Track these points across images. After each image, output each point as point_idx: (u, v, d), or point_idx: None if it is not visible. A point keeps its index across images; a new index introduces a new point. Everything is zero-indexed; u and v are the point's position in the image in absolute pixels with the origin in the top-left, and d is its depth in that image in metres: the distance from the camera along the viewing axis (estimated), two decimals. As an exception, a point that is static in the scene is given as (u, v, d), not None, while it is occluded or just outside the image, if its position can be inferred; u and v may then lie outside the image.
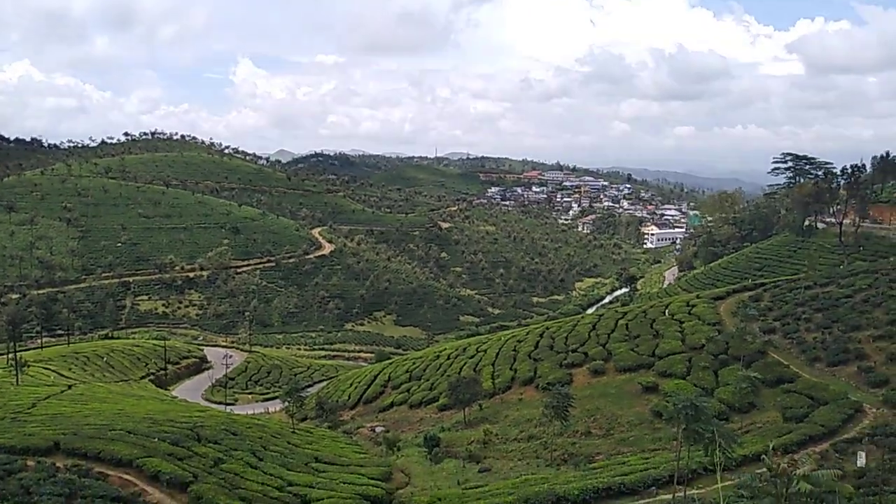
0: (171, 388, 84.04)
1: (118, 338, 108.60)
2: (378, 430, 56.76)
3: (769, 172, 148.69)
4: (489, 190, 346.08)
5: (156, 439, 39.34)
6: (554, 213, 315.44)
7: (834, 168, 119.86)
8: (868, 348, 47.98)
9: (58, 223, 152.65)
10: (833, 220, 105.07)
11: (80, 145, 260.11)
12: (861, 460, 31.47)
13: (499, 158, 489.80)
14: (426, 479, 42.28)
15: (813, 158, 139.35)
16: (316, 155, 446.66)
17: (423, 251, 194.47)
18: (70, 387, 63.37)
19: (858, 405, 40.50)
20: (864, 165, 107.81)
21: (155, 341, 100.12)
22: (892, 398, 40.46)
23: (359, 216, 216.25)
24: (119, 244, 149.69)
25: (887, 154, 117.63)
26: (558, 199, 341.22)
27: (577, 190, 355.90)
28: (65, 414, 46.31)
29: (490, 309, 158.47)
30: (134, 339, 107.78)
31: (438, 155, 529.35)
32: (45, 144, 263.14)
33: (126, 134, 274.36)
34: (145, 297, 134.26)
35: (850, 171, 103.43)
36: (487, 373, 61.32)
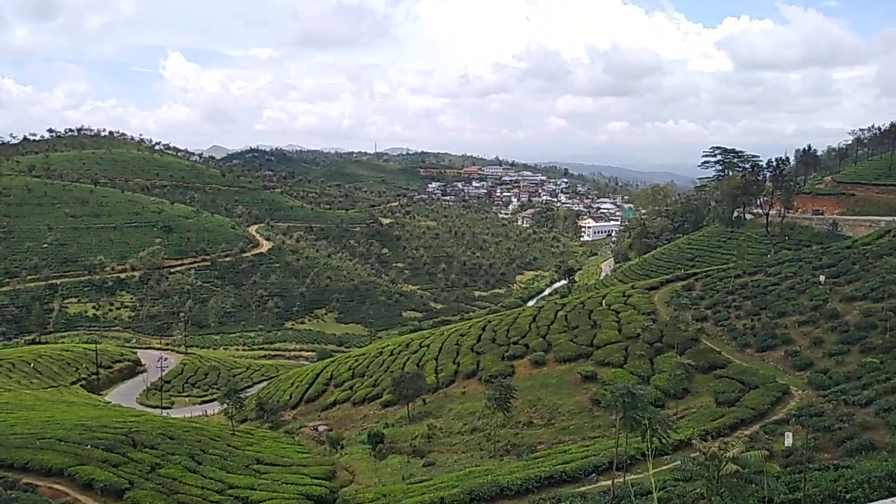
0: (103, 393, 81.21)
1: (46, 342, 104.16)
2: (321, 428, 56.28)
3: (699, 166, 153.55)
4: (430, 185, 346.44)
5: (88, 446, 38.02)
6: (494, 207, 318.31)
7: (760, 161, 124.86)
8: (794, 333, 50.20)
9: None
10: (760, 211, 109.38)
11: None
12: (788, 440, 32.87)
13: (439, 154, 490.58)
14: (371, 476, 42.19)
15: (741, 152, 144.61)
16: (251, 150, 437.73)
17: (364, 247, 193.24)
18: (-6, 395, 60.55)
19: (786, 388, 42.31)
20: (787, 159, 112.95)
21: (85, 345, 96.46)
22: (816, 380, 42.42)
23: (297, 213, 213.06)
24: (45, 245, 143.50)
25: (809, 147, 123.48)
26: (498, 194, 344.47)
27: (516, 185, 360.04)
28: (-11, 424, 44.23)
29: (432, 304, 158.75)
30: (63, 343, 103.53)
31: (378, 150, 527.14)
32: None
33: (50, 130, 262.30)
34: (74, 300, 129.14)
35: (775, 164, 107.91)
36: (431, 367, 61.51)
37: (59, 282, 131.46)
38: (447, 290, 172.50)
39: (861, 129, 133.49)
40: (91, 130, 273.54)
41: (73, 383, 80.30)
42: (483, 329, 67.64)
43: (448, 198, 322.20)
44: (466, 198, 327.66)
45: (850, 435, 31.57)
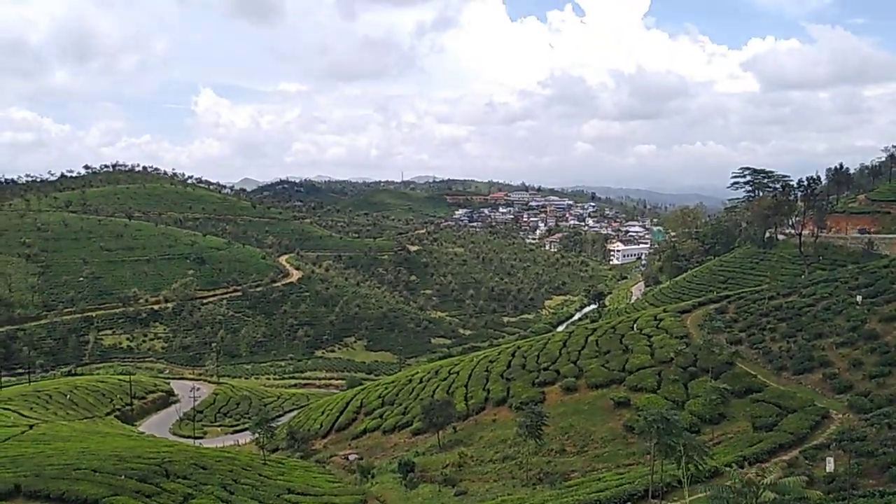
0: (137, 423, 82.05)
1: (82, 374, 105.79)
2: (351, 457, 56.07)
3: (729, 187, 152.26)
4: (456, 212, 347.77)
5: (122, 477, 38.31)
6: (521, 232, 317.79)
7: (791, 181, 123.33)
8: (832, 355, 48.97)
9: (16, 259, 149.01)
10: (792, 231, 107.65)
11: (38, 180, 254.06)
12: (830, 466, 31.94)
13: (465, 181, 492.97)
14: (402, 506, 41.80)
15: (770, 172, 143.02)
16: (281, 182, 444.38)
17: (392, 275, 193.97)
18: (31, 427, 61.45)
19: (825, 412, 41.21)
20: (819, 178, 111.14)
21: (120, 376, 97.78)
22: (856, 403, 41.26)
23: (326, 242, 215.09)
24: (81, 278, 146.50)
25: (841, 166, 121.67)
26: (525, 219, 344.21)
27: (543, 210, 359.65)
28: (26, 455, 44.82)
29: (461, 330, 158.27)
30: (98, 374, 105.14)
31: (405, 179, 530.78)
32: (2, 180, 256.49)
33: (86, 167, 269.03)
34: (109, 332, 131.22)
35: (806, 183, 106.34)
36: (460, 394, 61.10)
37: (94, 314, 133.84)
38: (476, 317, 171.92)
39: (895, 146, 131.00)
40: (125, 166, 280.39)
41: (108, 414, 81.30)
42: (512, 355, 67.12)
43: (475, 224, 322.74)
44: (493, 224, 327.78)
45: (896, 460, 30.55)
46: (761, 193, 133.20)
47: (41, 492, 35.33)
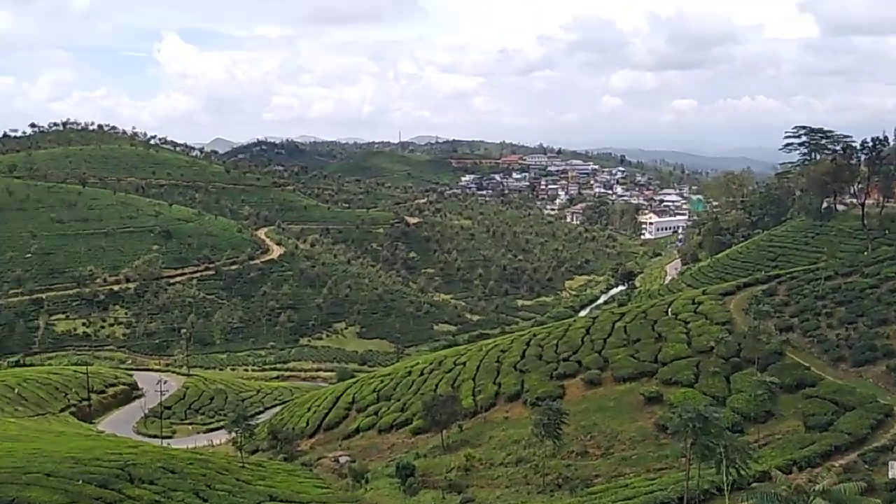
0: (96, 421, 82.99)
1: (31, 364, 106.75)
2: (342, 459, 56.72)
3: (781, 149, 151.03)
4: (463, 178, 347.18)
5: (80, 482, 38.81)
6: (538, 202, 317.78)
7: (853, 142, 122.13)
8: (897, 345, 49.10)
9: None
10: (854, 200, 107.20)
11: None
12: (893, 471, 32.20)
13: (473, 142, 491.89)
14: (400, 515, 42.38)
15: (830, 132, 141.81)
16: (259, 143, 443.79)
17: (388, 251, 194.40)
18: (-25, 425, 62.20)
19: (889, 409, 41.44)
20: (886, 138, 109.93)
21: (75, 367, 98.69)
22: (925, 400, 41.47)
23: (312, 213, 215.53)
24: (28, 255, 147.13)
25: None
26: (542, 187, 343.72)
27: (563, 175, 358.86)
28: (-30, 457, 45.45)
29: (468, 315, 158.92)
30: (50, 365, 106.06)
31: (403, 140, 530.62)
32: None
33: (33, 125, 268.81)
34: (62, 316, 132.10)
35: (871, 144, 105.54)
36: (467, 389, 61.58)
37: (44, 296, 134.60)
38: (485, 300, 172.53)
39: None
40: (78, 124, 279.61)
41: (62, 410, 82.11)
42: (527, 344, 67.51)
43: (484, 192, 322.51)
44: (506, 192, 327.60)
45: (969, 464, 30.77)
46: (818, 156, 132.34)
47: (-13, 498, 35.84)
